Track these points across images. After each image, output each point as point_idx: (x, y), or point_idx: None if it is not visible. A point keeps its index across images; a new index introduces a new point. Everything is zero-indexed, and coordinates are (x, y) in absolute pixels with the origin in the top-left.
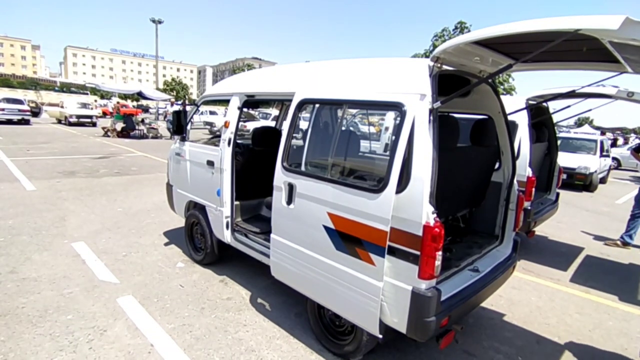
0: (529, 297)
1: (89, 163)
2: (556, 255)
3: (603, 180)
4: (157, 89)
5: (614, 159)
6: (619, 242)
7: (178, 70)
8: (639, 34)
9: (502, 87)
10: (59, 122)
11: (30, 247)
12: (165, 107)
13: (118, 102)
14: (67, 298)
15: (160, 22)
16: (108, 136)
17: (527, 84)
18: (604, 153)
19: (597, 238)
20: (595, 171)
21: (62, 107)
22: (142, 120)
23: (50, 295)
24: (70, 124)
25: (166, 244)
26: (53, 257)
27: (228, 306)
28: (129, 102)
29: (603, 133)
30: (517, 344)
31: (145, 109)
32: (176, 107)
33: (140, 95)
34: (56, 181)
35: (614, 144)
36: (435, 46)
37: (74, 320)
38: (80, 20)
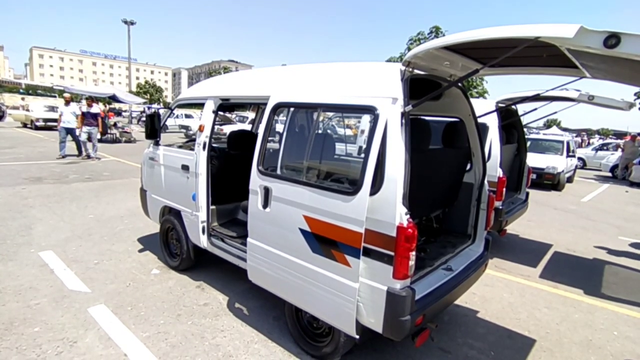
0: (501, 293)
1: (57, 168)
2: (527, 252)
3: (570, 180)
4: (130, 91)
5: (579, 159)
6: None
7: (152, 72)
8: (593, 42)
9: (475, 90)
10: (25, 125)
11: None
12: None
13: (105, 106)
14: (33, 310)
15: (132, 24)
16: None
17: (502, 88)
18: (570, 153)
19: (565, 235)
20: (563, 171)
21: (27, 110)
22: (115, 124)
23: (16, 307)
24: (37, 128)
25: (140, 251)
26: (19, 267)
27: (205, 312)
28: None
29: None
30: (489, 340)
31: (118, 112)
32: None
33: (113, 99)
34: (21, 188)
35: (579, 144)
36: (410, 50)
37: (42, 333)
38: (47, 21)
